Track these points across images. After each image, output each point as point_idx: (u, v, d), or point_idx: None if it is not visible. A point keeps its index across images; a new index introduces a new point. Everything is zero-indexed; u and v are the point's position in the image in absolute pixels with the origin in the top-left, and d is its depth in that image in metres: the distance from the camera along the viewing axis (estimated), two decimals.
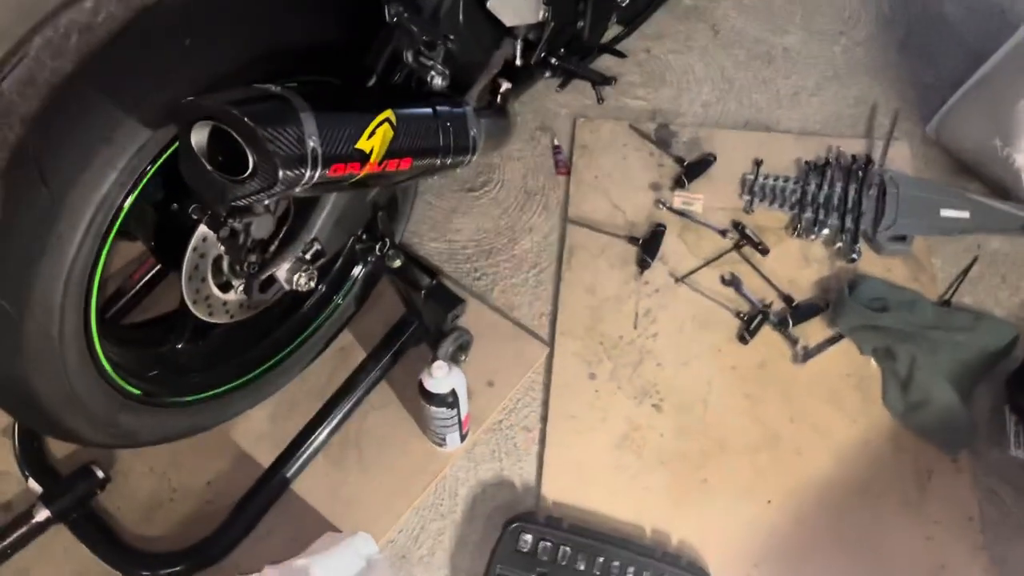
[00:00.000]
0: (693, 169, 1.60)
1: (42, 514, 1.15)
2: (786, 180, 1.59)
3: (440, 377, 1.16)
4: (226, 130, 0.73)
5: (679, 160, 1.62)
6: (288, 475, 1.19)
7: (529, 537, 1.18)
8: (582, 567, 1.16)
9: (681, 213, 1.56)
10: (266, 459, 1.26)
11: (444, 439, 1.26)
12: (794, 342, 1.40)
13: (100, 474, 1.20)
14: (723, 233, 1.54)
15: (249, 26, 0.83)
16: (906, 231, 1.50)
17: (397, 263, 1.11)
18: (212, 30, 0.81)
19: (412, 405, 1.31)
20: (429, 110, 0.91)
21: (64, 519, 1.16)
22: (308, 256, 1.03)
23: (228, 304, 1.05)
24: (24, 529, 1.15)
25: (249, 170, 0.74)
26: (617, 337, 1.41)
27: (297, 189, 0.77)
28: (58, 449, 1.26)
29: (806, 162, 1.61)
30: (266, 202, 0.80)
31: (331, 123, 0.77)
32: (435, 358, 1.25)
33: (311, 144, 0.75)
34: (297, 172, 0.75)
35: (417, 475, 1.27)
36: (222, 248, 0.96)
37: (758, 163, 1.61)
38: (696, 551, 1.20)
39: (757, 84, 1.77)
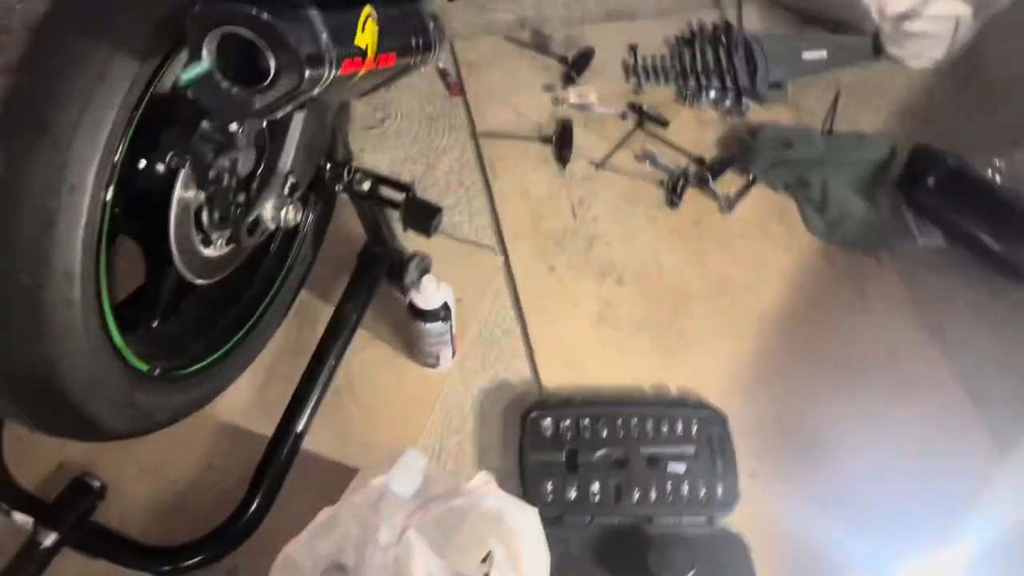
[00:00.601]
0: (578, 65, 1.67)
1: (49, 538, 1.05)
2: (663, 58, 1.69)
3: (431, 292, 1.17)
4: (238, 39, 0.70)
5: (562, 59, 1.69)
6: (299, 430, 1.16)
7: (548, 421, 1.22)
8: (605, 433, 1.22)
9: (580, 106, 1.62)
10: (263, 427, 1.21)
11: (438, 358, 1.27)
12: (717, 195, 1.51)
13: (96, 483, 1.11)
14: (623, 116, 1.62)
15: None
16: (779, 78, 1.65)
17: (367, 185, 1.10)
18: None
19: (392, 340, 1.31)
20: (395, 6, 0.90)
21: (72, 540, 1.07)
22: (287, 190, 1.00)
23: (210, 261, 1.00)
24: (33, 563, 1.05)
25: (271, 75, 0.72)
26: (561, 229, 1.47)
27: (315, 91, 0.75)
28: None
29: (675, 38, 1.72)
30: (279, 114, 0.77)
31: (333, 20, 0.76)
32: (403, 288, 1.26)
33: (324, 40, 0.74)
34: (317, 71, 0.74)
35: (419, 400, 1.27)
36: (203, 196, 0.92)
37: (634, 48, 1.70)
38: (695, 392, 1.29)
39: None
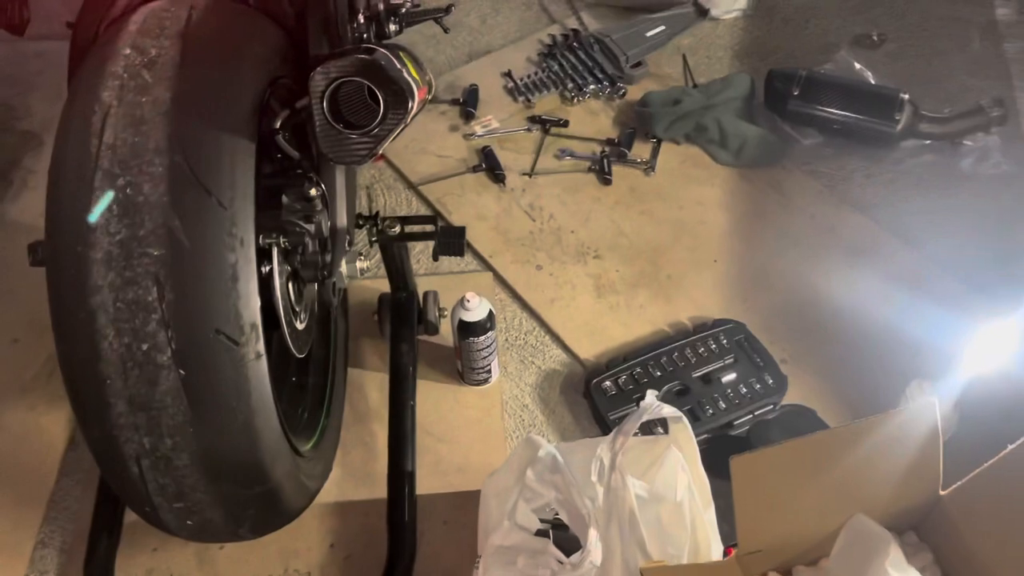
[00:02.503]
0: (469, 101, 1.83)
1: None
2: (536, 73, 1.89)
3: (475, 304, 1.27)
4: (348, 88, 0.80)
5: (454, 101, 1.84)
6: (409, 469, 1.20)
7: (609, 383, 1.34)
8: (658, 374, 1.35)
9: (489, 133, 1.78)
10: (362, 494, 1.25)
11: (489, 370, 1.36)
12: (637, 162, 1.72)
13: None
14: (528, 129, 1.79)
15: None
16: (637, 58, 1.90)
17: (397, 228, 1.18)
18: None
19: (433, 376, 1.38)
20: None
21: None
22: (347, 245, 1.07)
23: (301, 333, 1.05)
24: None
25: (380, 114, 0.82)
26: (528, 234, 1.61)
27: (409, 119, 0.86)
28: None
29: (538, 55, 1.93)
30: (380, 150, 0.86)
31: (398, 57, 0.87)
32: (429, 327, 1.35)
33: (406, 76, 0.85)
34: (411, 102, 0.84)
35: (487, 415, 1.35)
36: (294, 266, 0.98)
37: (508, 73, 1.89)
38: (705, 317, 1.46)
39: (456, 29, 2.04)
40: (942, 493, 1.02)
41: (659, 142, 1.75)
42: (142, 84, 0.78)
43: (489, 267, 1.55)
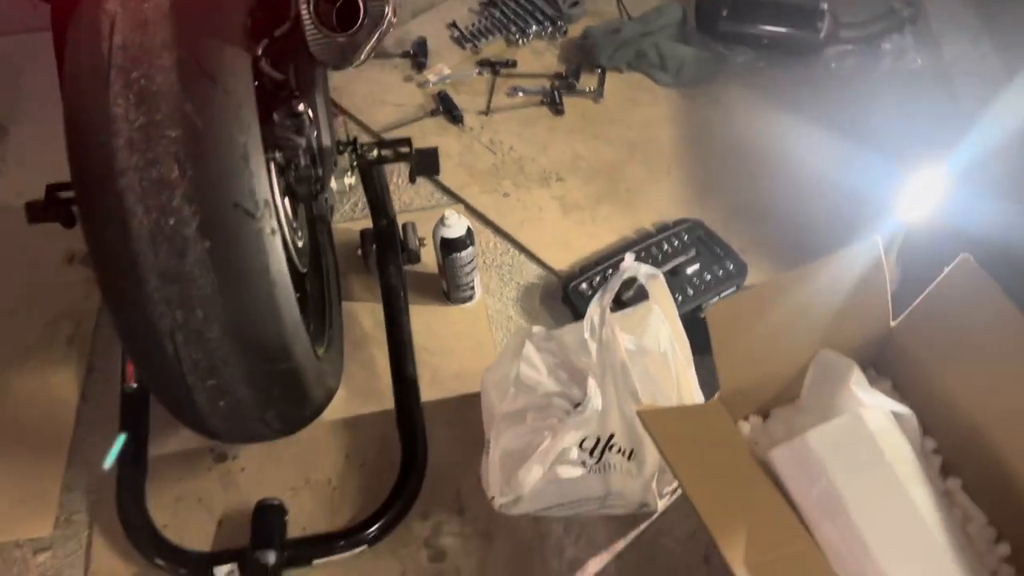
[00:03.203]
0: (419, 52, 1.91)
1: (270, 556, 1.11)
2: (480, 20, 1.98)
3: (455, 221, 1.35)
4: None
5: (405, 54, 1.92)
6: (411, 375, 1.28)
7: (584, 284, 1.44)
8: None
9: (441, 80, 1.87)
10: (369, 407, 1.33)
11: (472, 287, 1.44)
12: (585, 91, 1.82)
13: (275, 502, 1.18)
14: (479, 73, 1.88)
15: None
16: None
17: (375, 151, 1.27)
18: None
19: (420, 300, 1.46)
20: None
21: (286, 554, 1.14)
22: (335, 162, 1.15)
23: (302, 250, 1.13)
24: None
25: (360, 19, 0.91)
26: (492, 167, 1.70)
27: (384, 25, 0.94)
28: None
29: (479, 3, 2.02)
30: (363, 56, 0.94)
31: None
32: (411, 255, 1.43)
33: None
34: (387, 6, 0.93)
35: (476, 328, 1.44)
36: (290, 181, 1.06)
37: (453, 23, 1.98)
38: (668, 219, 1.57)
39: None
40: (892, 324, 1.14)
41: (604, 71, 1.85)
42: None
43: (459, 199, 1.64)
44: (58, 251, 1.56)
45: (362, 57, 0.93)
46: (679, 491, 1.21)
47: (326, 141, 1.12)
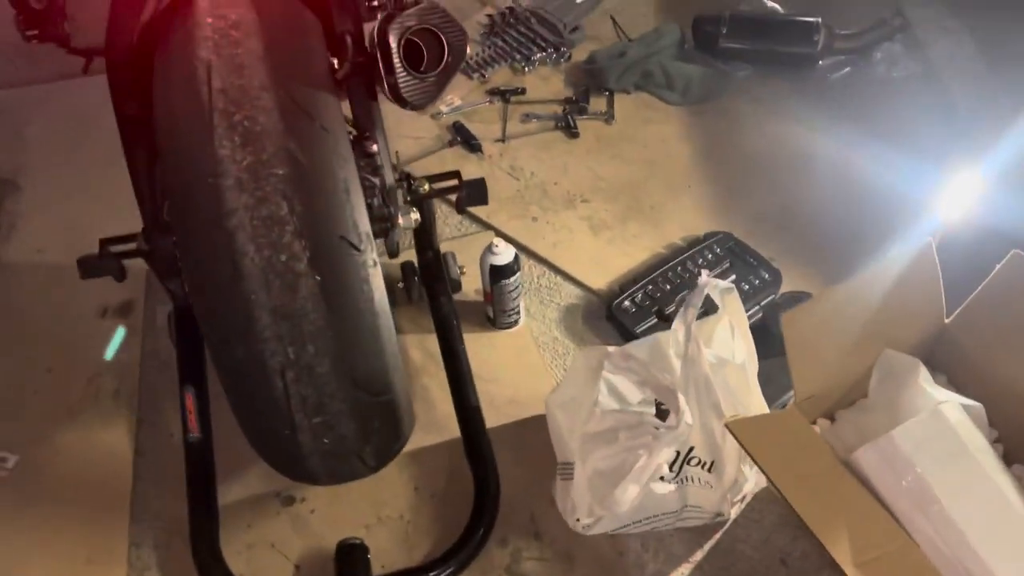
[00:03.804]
0: None
1: None
2: (484, 50, 2.02)
3: (503, 249, 1.37)
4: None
5: None
6: (475, 404, 1.29)
7: (628, 302, 1.47)
8: (668, 287, 1.49)
9: (454, 111, 1.89)
10: (432, 439, 1.34)
11: (518, 311, 1.46)
12: (597, 114, 1.86)
13: (357, 541, 1.18)
14: (490, 102, 1.91)
15: None
16: (574, 24, 2.04)
17: (426, 185, 1.28)
18: None
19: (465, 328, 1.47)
20: None
21: None
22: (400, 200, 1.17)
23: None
24: None
25: (445, 60, 0.93)
26: (516, 192, 1.72)
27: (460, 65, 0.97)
28: None
29: (480, 34, 2.06)
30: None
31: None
32: (455, 284, 1.45)
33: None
34: (467, 43, 0.95)
35: (525, 353, 1.45)
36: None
37: None
38: (695, 234, 1.61)
39: None
40: (946, 321, 1.19)
41: (612, 93, 1.89)
42: (234, 39, 0.87)
43: (489, 227, 1.66)
44: (90, 306, 1.54)
45: (443, 94, 0.95)
46: (748, 498, 1.25)
47: (390, 179, 1.14)
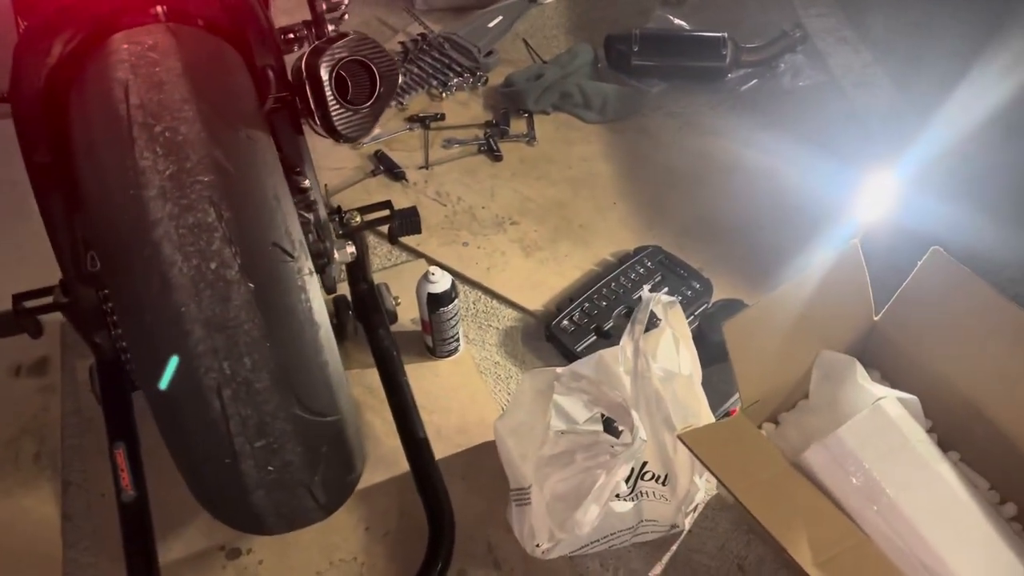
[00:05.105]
0: None
1: None
2: (399, 78, 2.00)
3: (439, 277, 1.36)
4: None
5: None
6: (422, 436, 1.26)
7: (566, 322, 1.47)
8: (604, 304, 1.49)
9: (374, 139, 1.87)
10: (377, 477, 1.31)
11: (457, 339, 1.45)
12: (519, 136, 1.87)
13: None
14: (410, 128, 1.90)
15: None
16: (488, 48, 2.05)
17: (358, 217, 1.25)
18: None
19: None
20: None
21: None
22: (333, 234, 1.14)
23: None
24: None
25: (377, 91, 0.91)
26: (445, 218, 1.71)
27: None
28: None
29: (397, 57, 2.05)
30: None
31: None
32: (391, 316, 1.43)
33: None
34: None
35: (467, 379, 1.44)
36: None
37: None
38: (625, 249, 1.63)
39: None
40: (876, 319, 1.24)
41: (531, 115, 1.91)
42: (152, 60, 0.84)
43: (420, 255, 1.64)
44: (1, 366, 1.45)
45: (375, 127, 0.94)
46: (700, 508, 1.26)
47: (323, 214, 1.11)
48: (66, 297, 1.12)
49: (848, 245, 1.17)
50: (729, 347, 1.08)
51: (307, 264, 0.86)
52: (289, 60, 1.06)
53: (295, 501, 0.93)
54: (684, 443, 1.02)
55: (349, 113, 0.91)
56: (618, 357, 1.07)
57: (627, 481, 1.12)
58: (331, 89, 0.89)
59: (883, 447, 1.03)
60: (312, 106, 0.93)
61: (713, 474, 1.00)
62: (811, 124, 1.87)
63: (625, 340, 1.06)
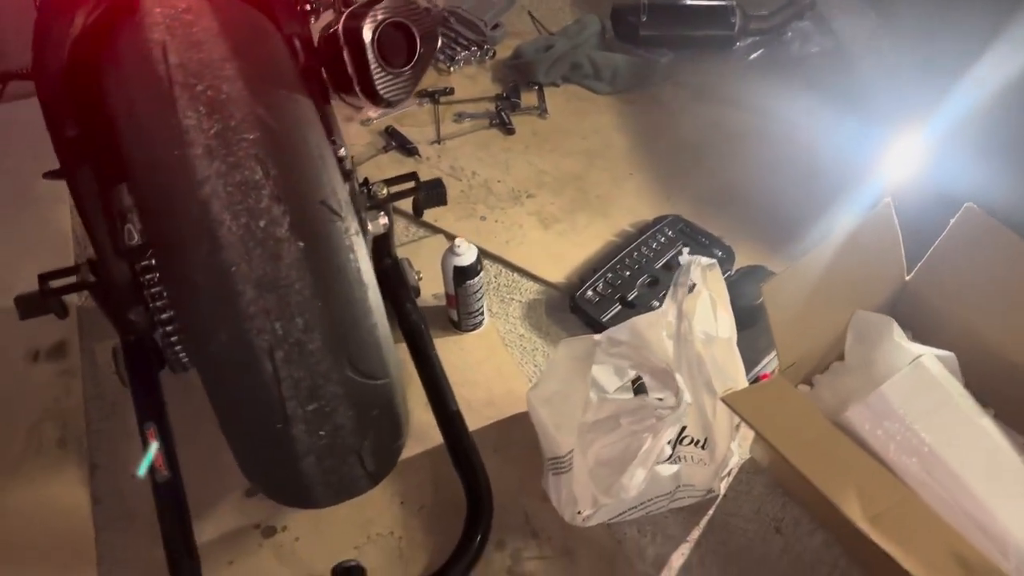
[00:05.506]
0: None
1: None
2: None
3: (465, 249, 1.34)
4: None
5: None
6: (454, 409, 1.25)
7: (590, 293, 1.46)
8: (627, 273, 1.49)
9: (384, 115, 1.85)
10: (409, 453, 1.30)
11: (482, 312, 1.44)
12: (530, 108, 1.85)
13: (352, 563, 1.13)
14: (420, 104, 1.88)
15: None
16: (494, 21, 2.03)
17: (385, 190, 1.24)
18: None
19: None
20: None
21: None
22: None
23: None
24: None
25: (418, 53, 0.90)
26: (459, 192, 1.70)
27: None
28: None
29: None
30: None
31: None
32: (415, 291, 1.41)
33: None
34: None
35: (494, 352, 1.43)
36: None
37: None
38: (644, 219, 1.62)
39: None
40: (907, 278, 1.24)
41: (542, 87, 1.89)
42: (187, 21, 0.83)
43: (437, 229, 1.63)
44: (18, 351, 1.43)
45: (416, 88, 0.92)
46: (734, 472, 1.26)
47: (356, 184, 1.10)
48: (94, 276, 1.10)
49: (881, 204, 1.17)
50: (768, 309, 1.08)
51: (354, 224, 0.85)
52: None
53: (345, 468, 0.91)
54: (729, 405, 1.02)
55: (391, 77, 0.89)
56: (651, 323, 1.06)
57: (669, 444, 1.11)
58: (374, 52, 0.87)
59: (926, 403, 1.03)
60: (351, 71, 0.91)
61: (760, 435, 1.00)
62: (821, 90, 1.87)
63: (668, 304, 1.05)
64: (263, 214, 0.78)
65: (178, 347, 1.02)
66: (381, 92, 0.90)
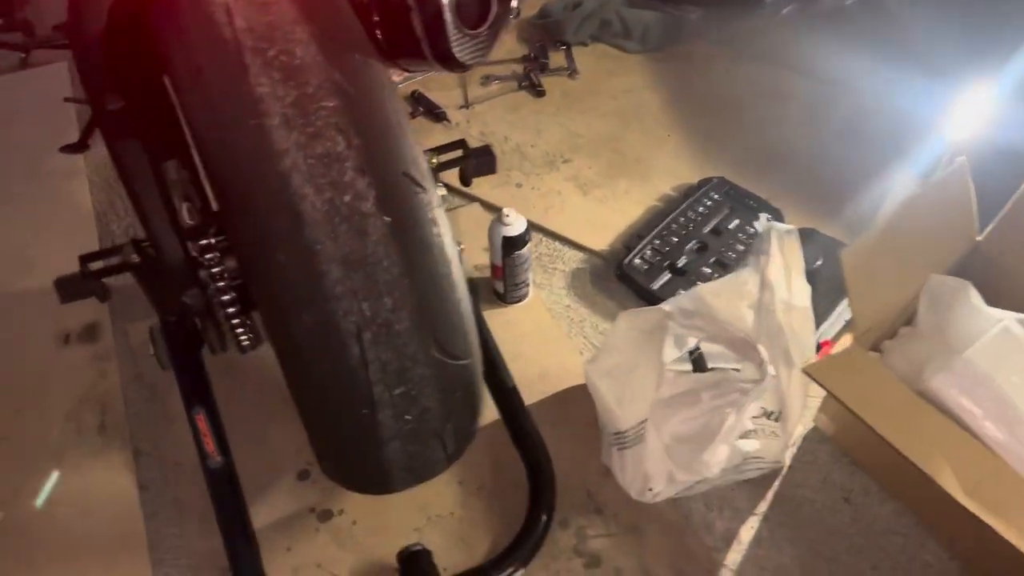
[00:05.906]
0: None
1: None
2: None
3: (514, 219, 1.29)
4: None
5: None
6: (511, 385, 1.22)
7: (638, 260, 1.42)
8: (675, 240, 1.44)
9: (409, 79, 1.78)
10: None
11: (528, 282, 1.39)
12: (559, 69, 1.79)
13: (417, 547, 1.10)
14: None
15: None
16: None
17: (434, 159, 1.18)
18: None
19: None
20: None
21: None
22: None
23: None
24: None
25: (493, 12, 0.83)
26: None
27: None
28: None
29: None
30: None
31: None
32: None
33: None
34: None
35: (540, 324, 1.38)
36: None
37: None
38: (686, 182, 1.58)
39: None
40: (978, 239, 1.20)
41: (570, 47, 1.83)
42: None
43: (473, 198, 1.57)
44: (49, 335, 1.37)
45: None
46: (798, 442, 1.23)
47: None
48: (138, 256, 1.05)
49: (955, 163, 1.12)
50: (847, 276, 1.04)
51: (436, 196, 0.80)
52: None
53: (427, 452, 0.88)
54: (812, 378, 0.98)
55: (467, 39, 0.83)
56: (718, 292, 1.02)
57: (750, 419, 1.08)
58: (452, 13, 0.81)
59: (1015, 368, 1.00)
60: (421, 33, 0.85)
61: (847, 408, 0.96)
62: (860, 43, 1.81)
63: (749, 273, 1.01)
64: (347, 188, 0.73)
65: (240, 331, 0.97)
66: (457, 55, 0.84)
